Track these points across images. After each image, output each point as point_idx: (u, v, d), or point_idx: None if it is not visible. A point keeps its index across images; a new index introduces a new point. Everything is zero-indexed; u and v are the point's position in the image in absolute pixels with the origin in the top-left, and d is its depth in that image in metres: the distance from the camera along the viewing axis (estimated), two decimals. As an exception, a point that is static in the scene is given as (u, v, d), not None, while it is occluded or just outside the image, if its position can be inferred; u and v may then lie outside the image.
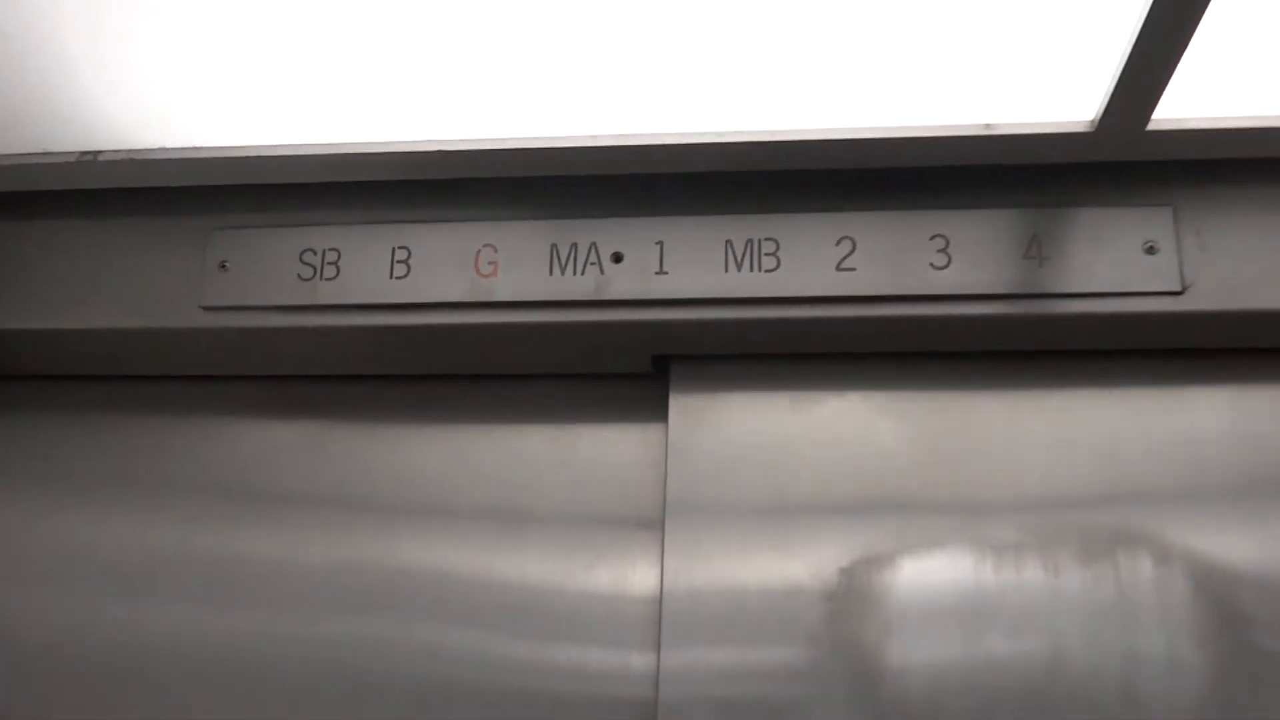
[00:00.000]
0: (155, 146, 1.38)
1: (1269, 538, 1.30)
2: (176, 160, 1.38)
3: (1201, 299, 1.30)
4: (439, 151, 1.33)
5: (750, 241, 1.36)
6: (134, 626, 1.47)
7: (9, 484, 1.56)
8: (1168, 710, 1.25)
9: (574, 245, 1.39)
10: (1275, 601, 1.27)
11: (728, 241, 1.36)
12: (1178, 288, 1.29)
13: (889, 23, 1.14)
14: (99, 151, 1.40)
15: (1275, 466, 1.33)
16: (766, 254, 1.35)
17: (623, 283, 1.37)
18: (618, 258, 1.38)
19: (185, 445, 1.55)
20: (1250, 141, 1.27)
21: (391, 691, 1.40)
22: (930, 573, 1.33)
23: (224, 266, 1.44)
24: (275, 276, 1.43)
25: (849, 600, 1.32)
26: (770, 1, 1.13)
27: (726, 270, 1.36)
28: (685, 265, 1.36)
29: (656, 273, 1.36)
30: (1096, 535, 1.32)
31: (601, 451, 1.49)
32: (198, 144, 1.38)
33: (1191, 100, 1.22)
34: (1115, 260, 1.31)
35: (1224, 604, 1.28)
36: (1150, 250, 1.30)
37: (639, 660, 1.37)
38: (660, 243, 1.37)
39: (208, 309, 1.43)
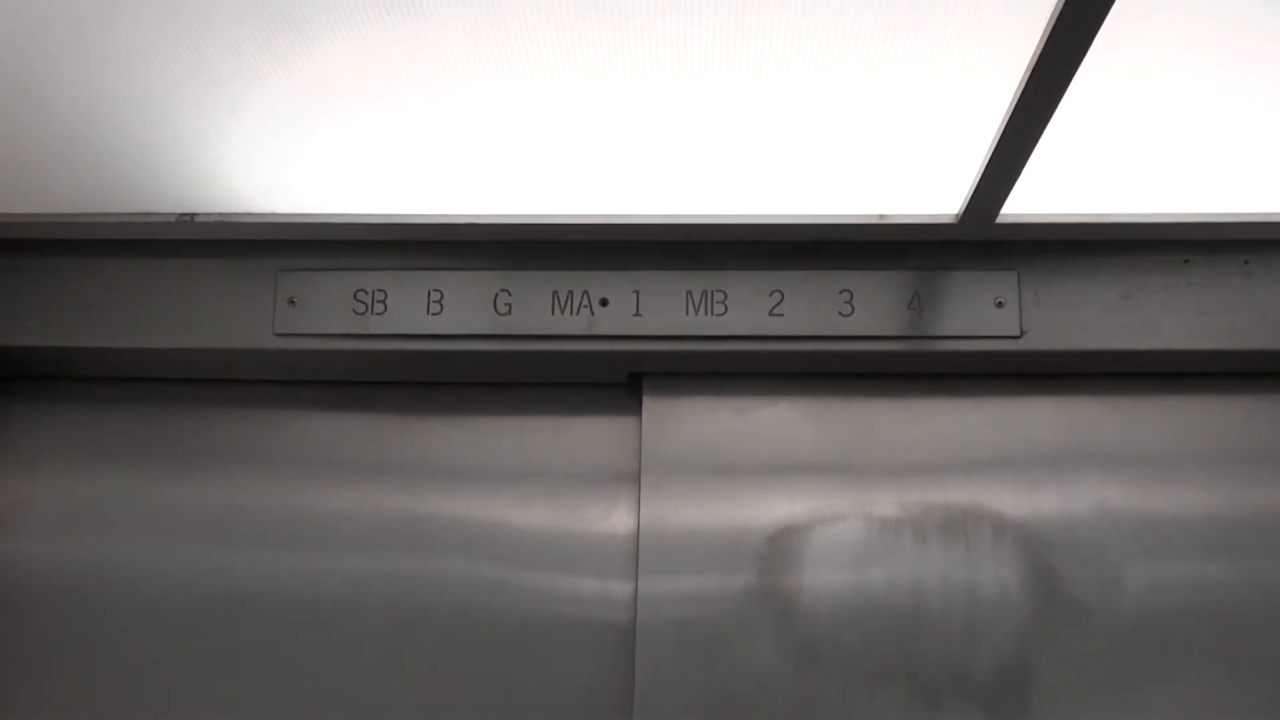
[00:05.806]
0: (241, 211, 1.70)
1: (1072, 513, 1.76)
2: (257, 223, 1.71)
3: (1035, 341, 1.73)
4: (470, 224, 1.70)
5: (706, 292, 1.75)
6: (223, 570, 1.81)
7: (123, 459, 1.88)
8: (996, 636, 1.71)
9: (570, 292, 1.76)
10: (1073, 559, 1.74)
11: (688, 291, 1.75)
12: (1017, 333, 1.72)
13: (817, 145, 1.52)
14: (195, 214, 1.71)
15: (1083, 460, 1.78)
16: (718, 301, 1.75)
17: (608, 322, 1.75)
18: (604, 302, 1.76)
19: (262, 430, 1.89)
20: (1070, 229, 1.70)
21: (430, 614, 1.78)
22: (832, 536, 1.77)
23: (292, 302, 1.78)
24: (334, 311, 1.77)
25: (774, 555, 1.76)
26: (733, 130, 1.48)
27: (687, 313, 1.75)
28: (656, 309, 1.75)
29: (634, 315, 1.75)
30: (952, 508, 1.77)
31: (590, 436, 1.87)
32: (276, 209, 1.70)
33: (1027, 200, 1.63)
34: (973, 312, 1.73)
35: (1038, 560, 1.75)
36: (999, 305, 1.74)
37: (620, 587, 1.78)
38: (637, 291, 1.76)
39: (280, 335, 1.78)
